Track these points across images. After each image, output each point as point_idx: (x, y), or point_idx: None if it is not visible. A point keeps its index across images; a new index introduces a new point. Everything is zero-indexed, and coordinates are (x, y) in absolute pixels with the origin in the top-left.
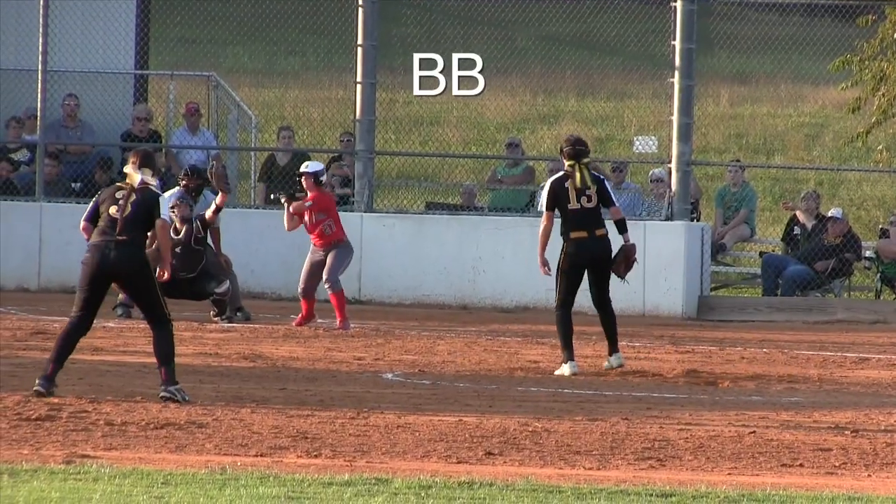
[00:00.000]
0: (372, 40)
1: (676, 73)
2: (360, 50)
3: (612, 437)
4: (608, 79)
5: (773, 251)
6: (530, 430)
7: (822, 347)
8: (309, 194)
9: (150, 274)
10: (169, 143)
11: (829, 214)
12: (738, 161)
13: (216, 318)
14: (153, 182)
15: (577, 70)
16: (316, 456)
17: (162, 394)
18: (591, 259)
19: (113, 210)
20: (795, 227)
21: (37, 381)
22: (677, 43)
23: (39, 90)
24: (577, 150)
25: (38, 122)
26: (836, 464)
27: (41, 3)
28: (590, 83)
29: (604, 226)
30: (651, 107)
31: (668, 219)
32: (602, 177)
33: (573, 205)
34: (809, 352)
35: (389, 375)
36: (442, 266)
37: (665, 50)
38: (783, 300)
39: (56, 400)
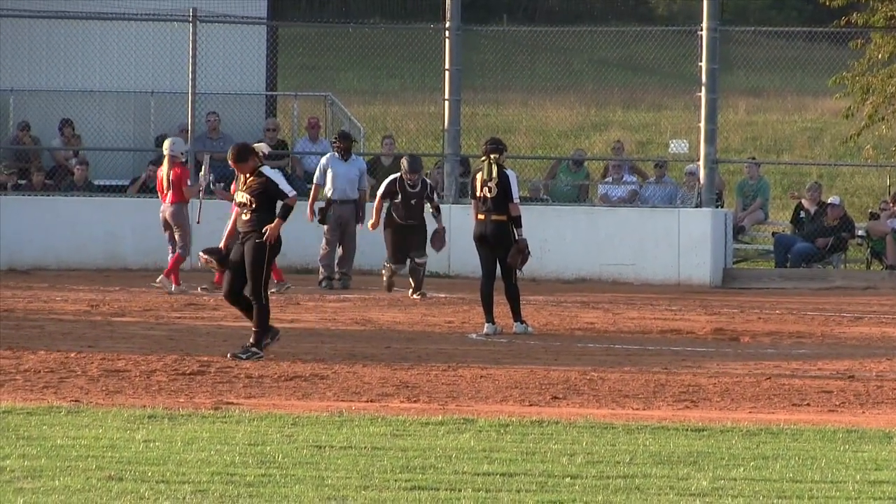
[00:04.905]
0: (457, 65)
1: (703, 89)
2: (447, 73)
3: (655, 383)
4: (648, 94)
5: (783, 231)
6: (588, 378)
7: (824, 309)
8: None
9: None
10: (294, 150)
11: (829, 201)
12: (753, 158)
13: (414, 295)
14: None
15: (622, 87)
16: (415, 401)
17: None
18: (485, 237)
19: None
20: (801, 212)
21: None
22: (703, 64)
23: (189, 109)
24: (489, 147)
25: (189, 135)
26: (837, 403)
27: (191, 37)
28: (633, 97)
29: (503, 213)
30: (683, 116)
31: (697, 206)
32: (508, 174)
33: (479, 192)
34: (814, 313)
35: (474, 335)
36: None
37: (693, 70)
38: (792, 271)
39: (206, 358)
